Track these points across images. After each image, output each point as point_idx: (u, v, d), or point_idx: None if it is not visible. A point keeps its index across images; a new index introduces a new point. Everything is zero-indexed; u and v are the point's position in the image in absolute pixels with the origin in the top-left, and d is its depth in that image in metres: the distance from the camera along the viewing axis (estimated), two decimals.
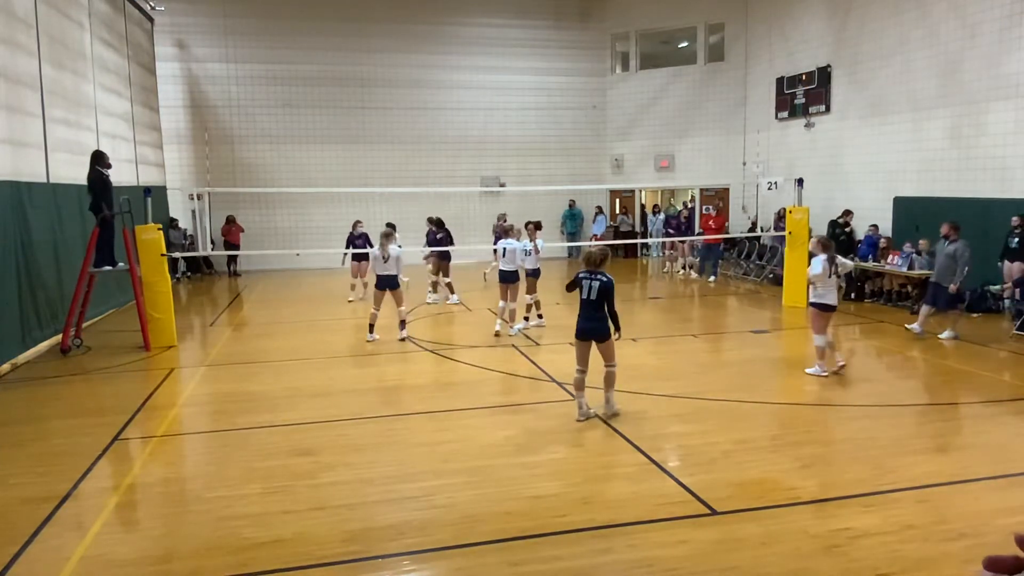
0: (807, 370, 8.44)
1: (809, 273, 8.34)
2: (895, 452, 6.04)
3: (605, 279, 6.62)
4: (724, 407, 7.21)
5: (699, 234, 17.47)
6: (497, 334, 10.77)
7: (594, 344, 6.77)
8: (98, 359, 9.83)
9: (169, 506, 5.21)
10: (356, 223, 14.51)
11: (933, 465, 5.67)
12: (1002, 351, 9.66)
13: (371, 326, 10.72)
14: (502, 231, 11.47)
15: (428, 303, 14.00)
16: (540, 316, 11.43)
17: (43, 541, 4.60)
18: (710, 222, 16.93)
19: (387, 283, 10.51)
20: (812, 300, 8.43)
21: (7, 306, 9.34)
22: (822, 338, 8.24)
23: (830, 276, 8.16)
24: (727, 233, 18.27)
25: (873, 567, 4.11)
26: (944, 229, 10.34)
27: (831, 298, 8.27)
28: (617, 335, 6.80)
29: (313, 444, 6.30)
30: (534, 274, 11.28)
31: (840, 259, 8.49)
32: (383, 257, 10.40)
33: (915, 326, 10.39)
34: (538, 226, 11.52)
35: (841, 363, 8.36)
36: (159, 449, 6.42)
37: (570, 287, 6.87)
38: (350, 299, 14.60)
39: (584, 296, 6.68)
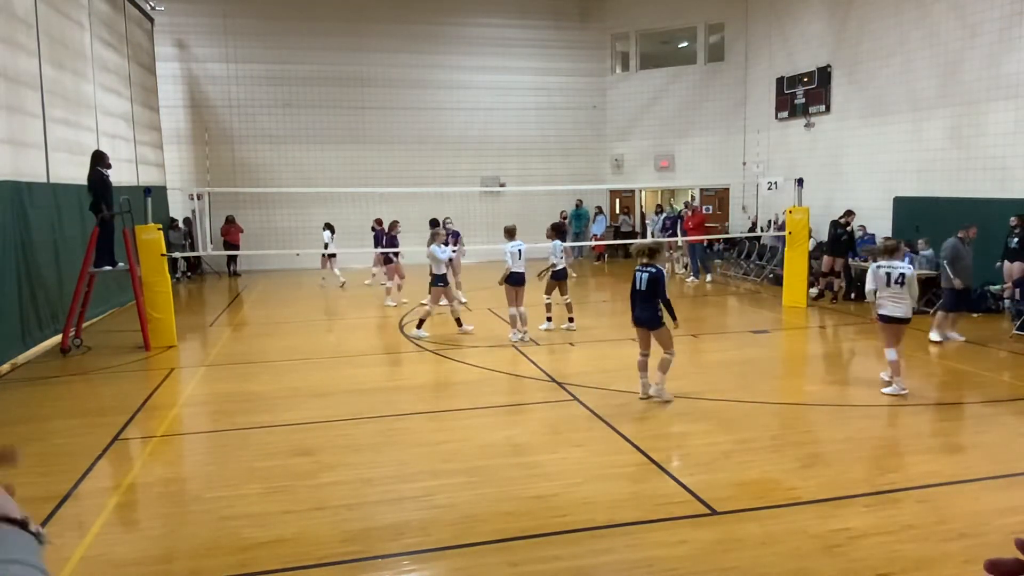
0: (883, 391, 7.48)
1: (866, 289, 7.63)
2: (895, 452, 6.04)
3: (654, 270, 7.13)
4: (724, 407, 7.21)
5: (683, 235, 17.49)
6: (525, 338, 10.40)
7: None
8: (98, 359, 9.82)
9: (169, 506, 5.21)
10: (393, 224, 14.15)
11: (933, 465, 5.67)
12: (1002, 351, 9.65)
13: (420, 320, 10.88)
14: (507, 233, 11.19)
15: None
16: (571, 319, 11.16)
17: None
18: (689, 222, 16.95)
19: (433, 280, 10.76)
20: (877, 312, 7.58)
21: (7, 306, 9.33)
22: (892, 351, 7.40)
23: (888, 285, 7.36)
24: (710, 233, 18.33)
25: (873, 567, 4.11)
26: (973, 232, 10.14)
27: (892, 309, 7.38)
28: (675, 325, 7.22)
29: (313, 444, 6.30)
30: (562, 275, 11.00)
31: (901, 267, 7.41)
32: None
33: (936, 335, 9.97)
34: (556, 229, 11.45)
35: (887, 385, 7.52)
36: (159, 449, 6.43)
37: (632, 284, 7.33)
38: (391, 303, 13.99)
39: (636, 287, 7.20)
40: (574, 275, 17.86)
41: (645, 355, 7.37)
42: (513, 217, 14.95)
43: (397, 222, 14.24)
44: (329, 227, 16.87)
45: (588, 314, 12.84)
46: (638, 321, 7.26)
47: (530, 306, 11.12)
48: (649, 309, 7.13)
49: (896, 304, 7.38)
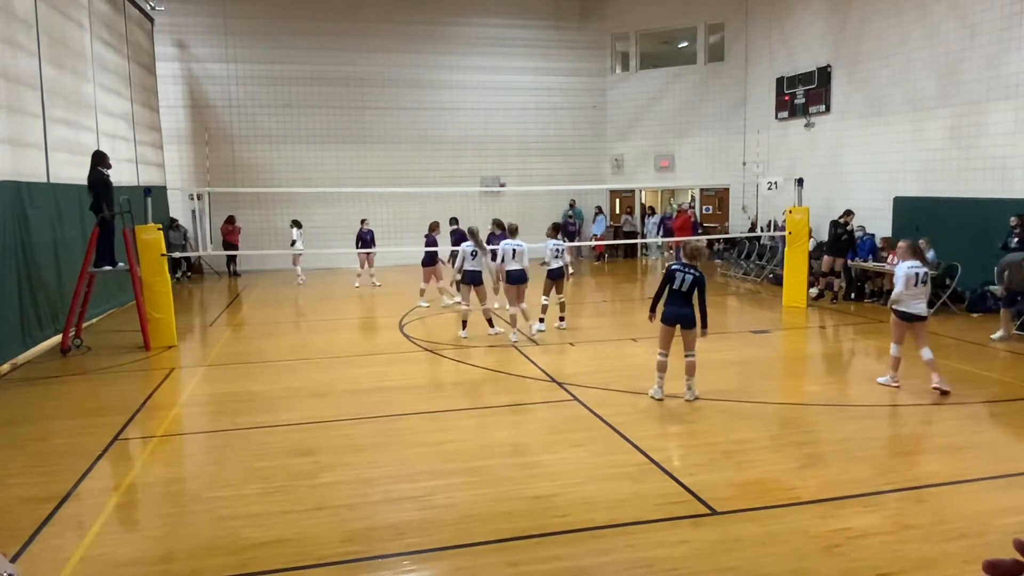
0: (878, 379, 7.86)
1: (894, 291, 7.75)
2: (895, 452, 6.04)
3: (698, 274, 7.17)
4: (724, 407, 7.21)
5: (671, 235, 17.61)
6: (514, 336, 10.42)
7: (678, 328, 7.29)
8: (98, 359, 9.82)
9: (169, 506, 5.21)
10: (433, 224, 13.75)
11: (933, 465, 5.67)
12: (1002, 351, 9.66)
13: (489, 320, 10.86)
14: (508, 231, 11.26)
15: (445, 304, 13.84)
16: (562, 319, 11.28)
17: (43, 541, 4.60)
18: (675, 223, 17.08)
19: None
20: (893, 307, 7.78)
21: (7, 306, 9.33)
22: (896, 347, 7.71)
23: (916, 285, 7.53)
24: (707, 233, 18.45)
25: (873, 567, 4.11)
26: None
27: (912, 306, 7.58)
28: (703, 332, 7.24)
29: (313, 444, 6.30)
30: (557, 274, 10.98)
31: (923, 267, 7.60)
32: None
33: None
34: (557, 228, 11.43)
35: (939, 387, 7.45)
36: (159, 449, 6.42)
37: (663, 281, 7.30)
38: (425, 303, 13.79)
39: (676, 287, 7.21)
40: (571, 271, 17.88)
41: (665, 355, 7.35)
42: (513, 217, 14.96)
43: (437, 223, 13.77)
44: (297, 224, 17.31)
45: (588, 314, 12.83)
46: (671, 319, 7.26)
47: (534, 306, 11.12)
48: (686, 308, 7.19)
49: (918, 301, 7.61)
